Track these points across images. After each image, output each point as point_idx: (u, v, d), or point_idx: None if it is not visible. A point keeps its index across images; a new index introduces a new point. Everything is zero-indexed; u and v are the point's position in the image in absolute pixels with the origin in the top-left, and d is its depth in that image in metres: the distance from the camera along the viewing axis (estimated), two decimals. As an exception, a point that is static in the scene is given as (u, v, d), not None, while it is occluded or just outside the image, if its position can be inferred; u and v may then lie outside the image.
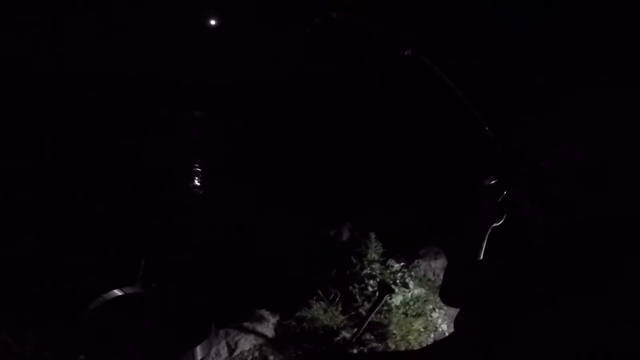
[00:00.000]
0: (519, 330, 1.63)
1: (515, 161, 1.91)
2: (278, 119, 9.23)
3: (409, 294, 4.62)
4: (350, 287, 4.61)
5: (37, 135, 8.17)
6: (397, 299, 4.50)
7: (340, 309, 4.54)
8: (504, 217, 2.10)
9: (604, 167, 1.59)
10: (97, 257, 5.57)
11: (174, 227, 6.99)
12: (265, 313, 4.72)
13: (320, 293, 4.61)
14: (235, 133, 9.55)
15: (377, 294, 4.39)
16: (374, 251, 5.13)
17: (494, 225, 2.09)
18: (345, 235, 7.20)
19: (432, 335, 4.91)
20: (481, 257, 2.05)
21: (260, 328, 4.43)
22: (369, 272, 4.68)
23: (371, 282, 4.50)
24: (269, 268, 6.24)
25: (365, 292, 4.49)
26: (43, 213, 6.73)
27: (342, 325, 4.35)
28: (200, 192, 8.53)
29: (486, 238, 2.06)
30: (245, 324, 4.44)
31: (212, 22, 11.58)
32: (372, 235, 5.34)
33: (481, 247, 2.10)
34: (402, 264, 5.77)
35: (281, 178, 8.62)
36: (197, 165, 9.28)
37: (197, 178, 8.85)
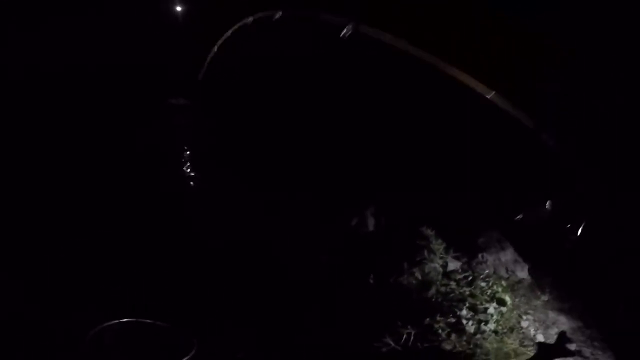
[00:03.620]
0: None
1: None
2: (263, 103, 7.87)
3: (504, 309, 3.43)
4: (428, 319, 3.35)
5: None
6: (491, 322, 3.31)
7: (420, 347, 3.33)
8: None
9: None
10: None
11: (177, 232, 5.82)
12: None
13: (391, 342, 3.35)
14: (222, 119, 8.22)
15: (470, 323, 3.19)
16: (437, 255, 3.93)
17: None
18: (371, 224, 5.87)
19: (530, 350, 3.75)
20: None
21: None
22: (444, 290, 3.46)
23: (464, 312, 3.27)
24: (291, 283, 4.99)
25: (458, 327, 3.27)
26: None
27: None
28: (198, 185, 7.39)
29: None
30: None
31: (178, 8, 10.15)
32: (430, 232, 4.12)
33: None
34: (464, 260, 4.59)
35: (280, 165, 7.27)
36: (189, 155, 8.08)
37: (191, 169, 7.72)
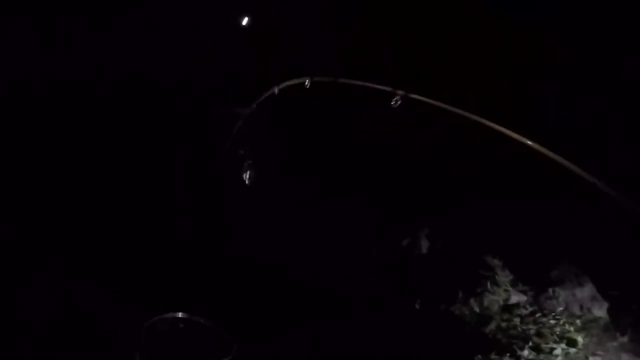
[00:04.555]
0: None
1: None
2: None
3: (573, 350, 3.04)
4: (480, 356, 3.02)
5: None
6: (557, 364, 2.94)
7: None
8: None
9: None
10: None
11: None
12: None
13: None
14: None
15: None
16: (502, 288, 3.57)
17: None
18: (425, 246, 5.43)
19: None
20: None
21: None
22: (505, 325, 3.12)
23: (525, 352, 2.93)
24: (334, 300, 4.77)
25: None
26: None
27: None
28: (251, 192, 7.44)
29: None
30: None
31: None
32: (498, 262, 3.77)
33: None
34: (530, 294, 4.17)
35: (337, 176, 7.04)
36: (245, 162, 8.16)
37: (246, 176, 7.78)
